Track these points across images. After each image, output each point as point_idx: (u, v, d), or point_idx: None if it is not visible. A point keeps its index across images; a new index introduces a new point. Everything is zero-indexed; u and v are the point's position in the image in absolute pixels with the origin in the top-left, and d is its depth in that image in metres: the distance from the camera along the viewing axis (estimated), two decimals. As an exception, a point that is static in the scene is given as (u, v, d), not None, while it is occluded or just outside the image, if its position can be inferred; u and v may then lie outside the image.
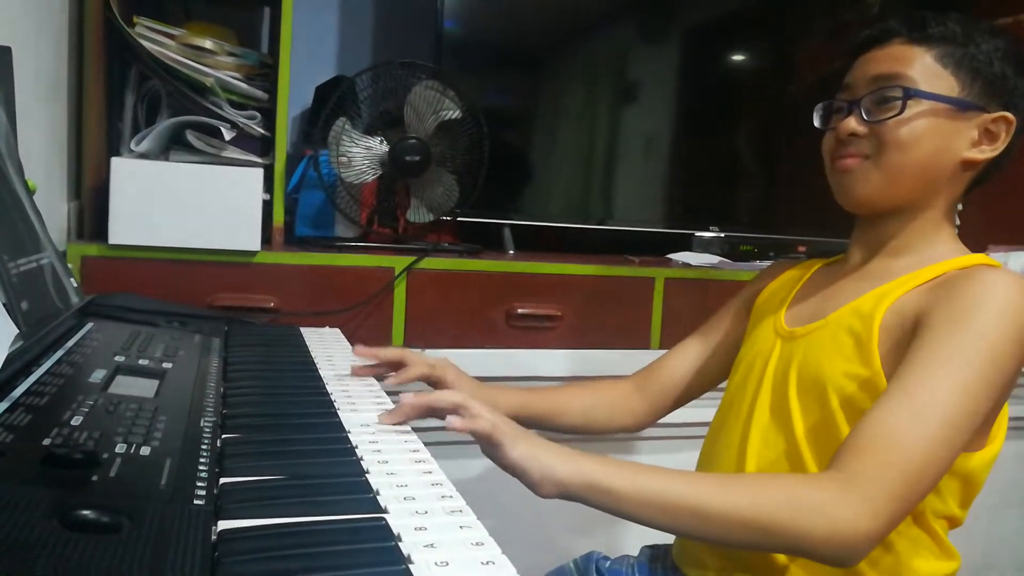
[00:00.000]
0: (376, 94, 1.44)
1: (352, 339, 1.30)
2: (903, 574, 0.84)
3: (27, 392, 0.63)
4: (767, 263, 1.75)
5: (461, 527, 0.53)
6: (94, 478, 0.50)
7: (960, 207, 1.69)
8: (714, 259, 1.70)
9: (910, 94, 0.85)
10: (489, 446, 0.73)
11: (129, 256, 1.26)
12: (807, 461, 0.86)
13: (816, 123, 0.94)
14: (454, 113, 1.44)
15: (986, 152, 0.87)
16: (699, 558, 0.94)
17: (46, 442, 0.54)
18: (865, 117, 0.87)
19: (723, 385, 1.04)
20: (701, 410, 1.11)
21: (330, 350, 1.06)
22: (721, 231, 1.85)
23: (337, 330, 1.22)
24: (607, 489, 0.71)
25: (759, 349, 0.96)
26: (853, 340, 0.86)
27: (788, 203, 1.92)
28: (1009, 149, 0.88)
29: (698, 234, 1.84)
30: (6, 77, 0.91)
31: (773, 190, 1.95)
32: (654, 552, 1.03)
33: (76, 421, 0.59)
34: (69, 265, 1.24)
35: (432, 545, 0.50)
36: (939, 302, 0.81)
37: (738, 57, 1.99)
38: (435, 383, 1.00)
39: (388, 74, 1.42)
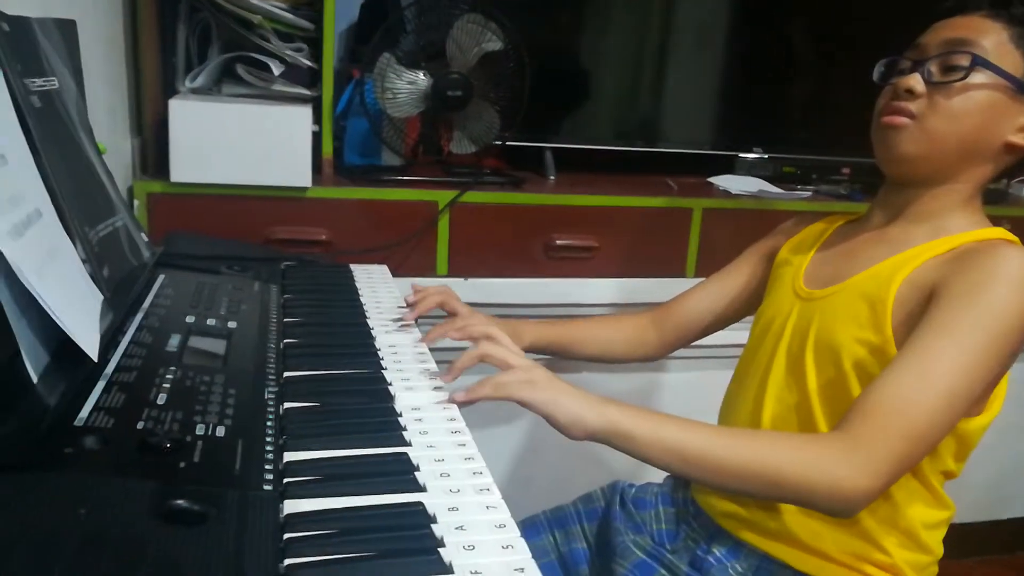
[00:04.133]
0: (420, 27, 1.46)
1: (399, 270, 1.39)
2: (898, 521, 0.92)
3: (117, 368, 0.73)
4: (808, 191, 1.76)
5: (488, 507, 0.62)
6: (182, 464, 0.60)
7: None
8: (754, 185, 1.71)
9: (977, 62, 0.86)
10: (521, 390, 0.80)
11: (190, 193, 1.34)
12: (817, 417, 0.93)
13: (875, 77, 0.96)
14: (496, 45, 1.45)
15: None
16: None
17: (139, 426, 0.64)
18: (927, 78, 0.89)
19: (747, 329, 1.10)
20: (733, 333, 1.18)
21: (378, 294, 1.15)
22: (765, 152, 1.85)
23: (384, 267, 1.30)
24: (630, 436, 0.79)
25: (778, 308, 1.02)
26: (868, 307, 0.90)
27: (833, 122, 1.89)
28: None
29: (742, 155, 1.85)
30: (73, 48, 0.97)
31: (819, 110, 1.92)
32: (676, 482, 1.13)
33: (161, 399, 0.69)
34: (136, 201, 1.34)
35: (462, 527, 0.59)
36: (953, 275, 0.84)
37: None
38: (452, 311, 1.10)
39: (432, 7, 1.43)
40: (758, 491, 0.83)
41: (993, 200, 0.96)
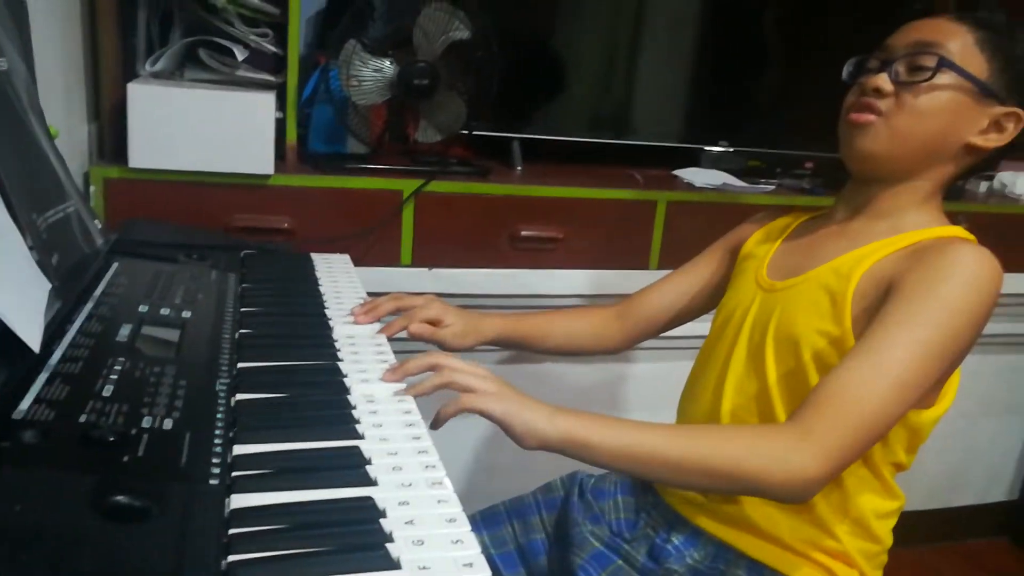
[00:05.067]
0: (387, 14, 1.44)
1: (362, 260, 1.38)
2: (850, 510, 0.94)
3: (63, 359, 0.72)
4: (771, 184, 1.78)
5: (439, 501, 0.62)
6: (125, 458, 0.59)
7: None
8: (719, 179, 1.72)
9: (943, 63, 0.88)
10: (478, 401, 0.80)
11: (149, 179, 1.32)
12: (777, 406, 0.94)
13: (844, 76, 0.97)
14: (464, 34, 1.44)
15: (991, 141, 0.91)
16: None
17: (82, 419, 0.62)
18: (894, 78, 0.90)
19: (708, 323, 1.11)
20: (699, 324, 1.18)
21: (339, 284, 1.14)
22: (730, 146, 1.86)
23: (346, 257, 1.29)
24: (585, 443, 0.80)
25: (740, 299, 1.03)
26: (829, 299, 0.92)
27: (798, 116, 1.90)
28: (1011, 145, 0.92)
29: (707, 149, 1.86)
30: (23, 27, 0.94)
31: (784, 104, 1.94)
32: (635, 472, 1.13)
33: (107, 391, 0.68)
34: (92, 187, 1.32)
35: (412, 522, 0.59)
36: (910, 271, 0.86)
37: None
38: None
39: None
40: (715, 486, 0.85)
41: (949, 196, 0.98)
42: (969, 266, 0.85)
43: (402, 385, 0.82)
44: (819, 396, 0.82)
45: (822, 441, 0.79)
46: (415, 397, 0.80)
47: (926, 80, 0.89)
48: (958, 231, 0.93)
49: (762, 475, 0.79)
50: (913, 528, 0.99)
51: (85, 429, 0.61)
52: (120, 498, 0.53)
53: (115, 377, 0.71)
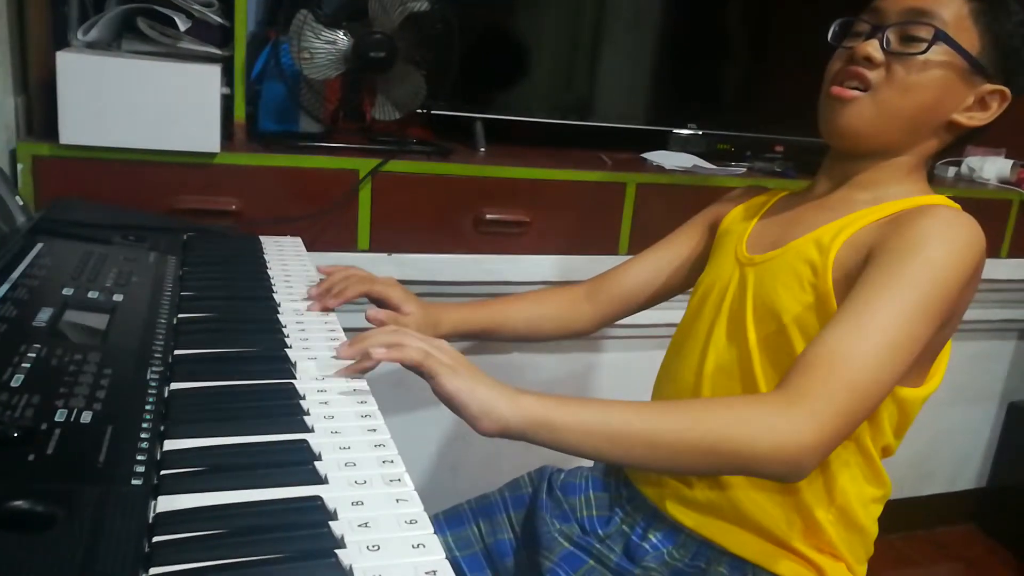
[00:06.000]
0: (340, -17, 1.36)
1: (315, 244, 1.30)
2: (835, 494, 0.89)
3: (-33, 345, 0.63)
4: (742, 167, 1.74)
5: (398, 500, 0.55)
6: (31, 457, 0.51)
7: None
8: (688, 161, 1.67)
9: (940, 36, 0.83)
10: (426, 377, 0.73)
11: (83, 157, 1.22)
12: (759, 377, 0.89)
13: (829, 38, 0.91)
14: (422, 5, 1.36)
15: (974, 119, 0.87)
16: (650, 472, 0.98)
17: (-17, 412, 0.54)
18: (886, 47, 0.85)
19: (683, 307, 1.05)
20: (669, 312, 1.13)
21: (289, 267, 1.06)
22: (699, 129, 1.81)
23: (298, 239, 1.21)
24: (550, 424, 0.72)
25: (719, 273, 0.98)
26: (810, 270, 0.88)
27: (767, 100, 1.86)
28: (993, 123, 0.88)
29: (676, 131, 1.80)
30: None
31: (753, 88, 1.89)
32: (608, 466, 1.07)
33: (16, 381, 0.59)
34: (20, 165, 1.21)
35: (367, 524, 0.52)
36: (892, 235, 0.82)
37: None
38: (378, 301, 1.00)
39: (352, -38, 1.34)
40: (698, 463, 0.76)
41: None
42: (952, 227, 0.81)
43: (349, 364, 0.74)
44: (806, 360, 0.76)
45: (813, 405, 0.73)
46: (371, 387, 0.73)
47: (921, 53, 0.83)
48: (942, 199, 0.89)
49: (749, 445, 0.72)
50: (884, 516, 0.94)
51: (-16, 424, 0.52)
52: (19, 503, 0.45)
53: (27, 366, 0.62)
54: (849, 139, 0.89)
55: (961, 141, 0.92)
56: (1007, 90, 0.86)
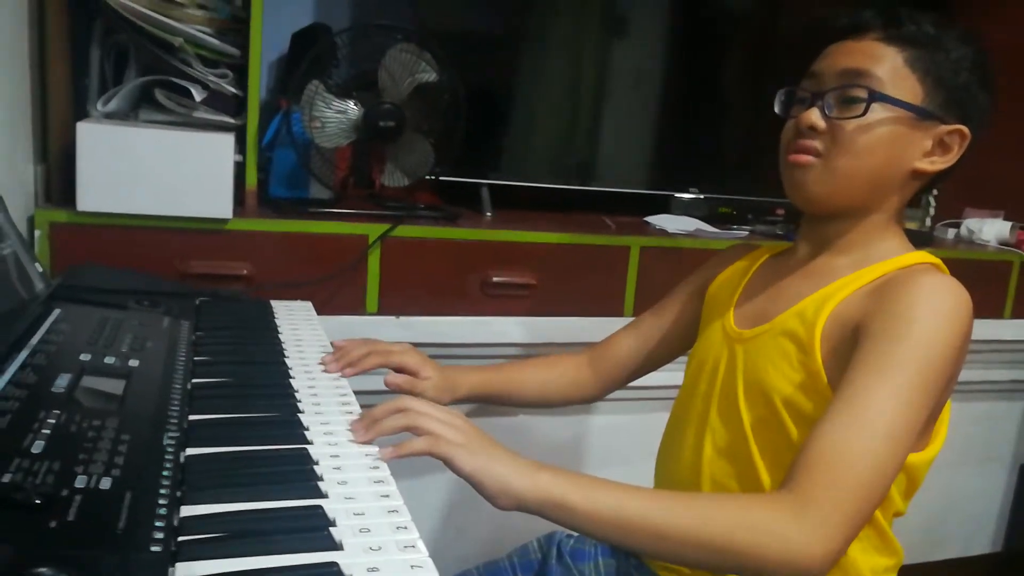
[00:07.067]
0: (352, 56, 1.40)
1: (325, 308, 1.31)
2: (847, 568, 0.87)
3: (-11, 412, 0.64)
4: (744, 231, 1.76)
5: (412, 567, 0.55)
6: (52, 524, 0.51)
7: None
8: (691, 225, 1.70)
9: (875, 97, 0.84)
10: (454, 451, 0.73)
11: (99, 224, 1.24)
12: (756, 459, 0.89)
13: (777, 110, 0.93)
14: (430, 76, 1.41)
15: (937, 163, 0.87)
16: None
17: (5, 479, 0.55)
18: (827, 113, 0.86)
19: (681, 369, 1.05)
20: (668, 374, 1.13)
21: (300, 332, 1.07)
22: (701, 192, 1.84)
23: (308, 304, 1.23)
24: (564, 505, 0.72)
25: (709, 348, 0.98)
26: (795, 346, 0.87)
27: (767, 166, 1.90)
28: (959, 162, 0.88)
29: (677, 195, 1.84)
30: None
31: (754, 152, 1.93)
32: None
33: (38, 448, 0.60)
34: (38, 231, 1.24)
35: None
36: (878, 310, 0.81)
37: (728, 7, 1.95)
38: (398, 370, 1.01)
39: (364, 36, 1.38)
40: (704, 560, 0.75)
41: (919, 243, 0.94)
42: (938, 297, 0.80)
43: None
44: (809, 459, 0.75)
45: (821, 513, 0.72)
46: (387, 460, 0.73)
47: (860, 115, 0.84)
48: (923, 256, 0.89)
49: (758, 551, 0.71)
50: (898, 583, 0.93)
51: (7, 491, 0.53)
52: (41, 570, 0.46)
53: (47, 432, 0.63)
54: (813, 204, 0.90)
55: (932, 184, 0.92)
56: (965, 128, 0.86)
